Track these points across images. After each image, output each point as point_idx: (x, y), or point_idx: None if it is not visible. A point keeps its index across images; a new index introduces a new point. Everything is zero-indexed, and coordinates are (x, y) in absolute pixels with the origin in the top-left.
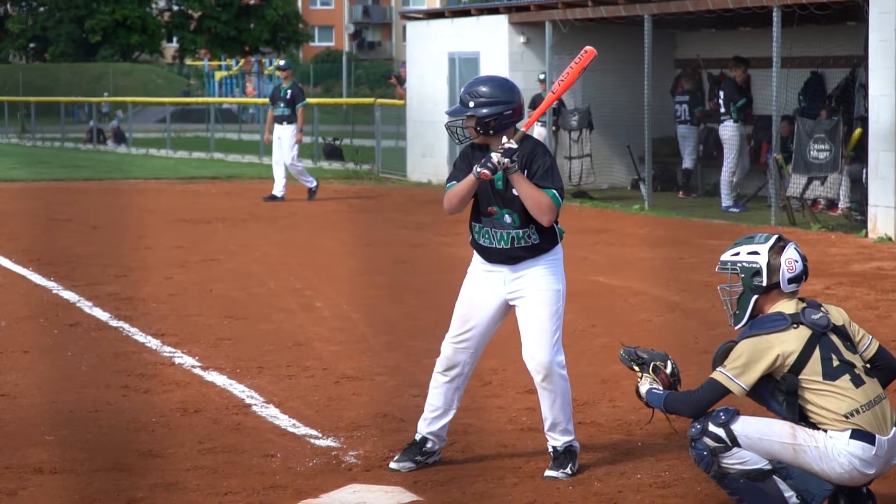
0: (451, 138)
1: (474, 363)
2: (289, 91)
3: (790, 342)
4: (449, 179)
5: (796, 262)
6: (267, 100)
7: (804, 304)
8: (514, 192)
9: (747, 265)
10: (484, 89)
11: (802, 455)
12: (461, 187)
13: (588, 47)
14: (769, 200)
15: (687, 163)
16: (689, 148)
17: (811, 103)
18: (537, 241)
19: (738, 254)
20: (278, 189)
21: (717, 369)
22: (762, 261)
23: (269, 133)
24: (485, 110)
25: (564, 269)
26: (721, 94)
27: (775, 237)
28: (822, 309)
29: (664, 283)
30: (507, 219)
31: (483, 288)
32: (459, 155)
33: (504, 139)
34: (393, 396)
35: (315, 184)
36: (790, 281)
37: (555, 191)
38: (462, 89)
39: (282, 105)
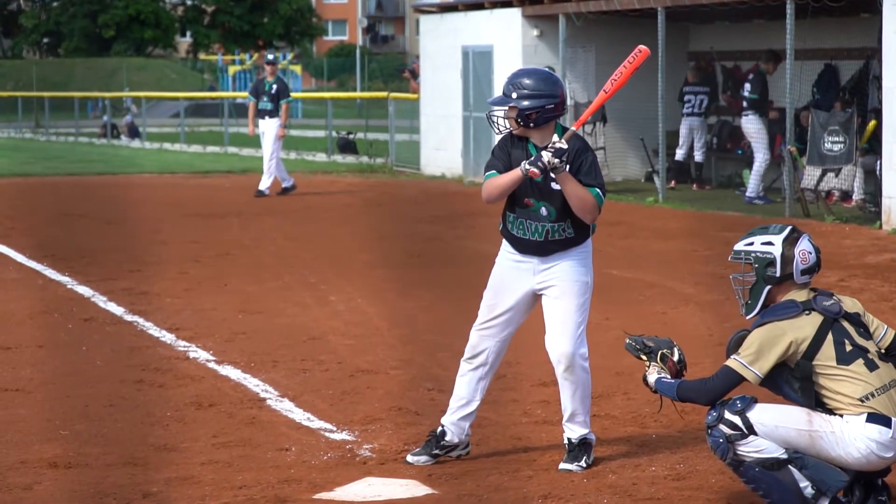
0: (490, 127)
1: (500, 353)
2: (274, 86)
3: (803, 328)
4: (487, 168)
5: (810, 253)
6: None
7: (815, 293)
8: (553, 185)
9: (761, 255)
10: (527, 81)
11: (819, 442)
12: (505, 180)
13: (642, 46)
14: (784, 192)
15: (698, 156)
16: (702, 140)
17: (825, 95)
18: (571, 234)
19: (752, 244)
20: (284, 181)
21: (732, 357)
22: (776, 251)
23: (252, 126)
24: (526, 102)
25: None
26: (749, 86)
27: (790, 228)
28: (835, 298)
29: (678, 275)
30: (544, 211)
31: (512, 277)
32: (498, 144)
33: (554, 137)
34: (407, 390)
35: (267, 192)
36: (803, 272)
37: (598, 189)
38: (506, 80)
39: (265, 99)
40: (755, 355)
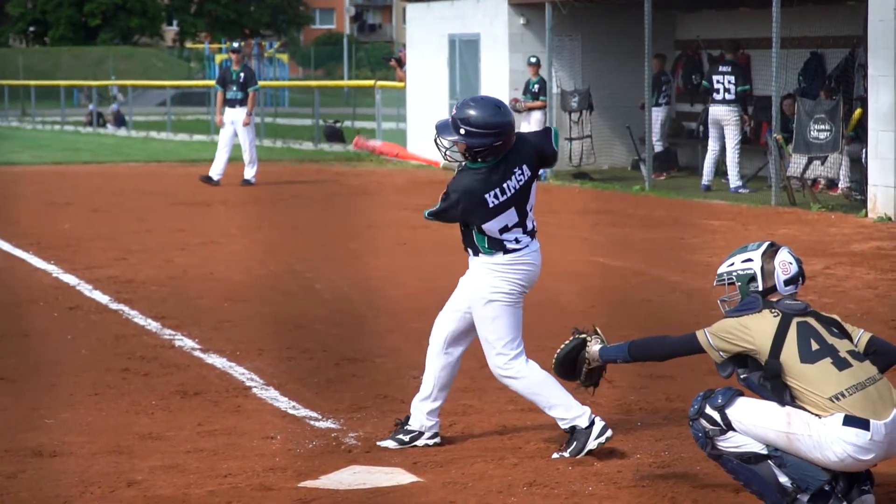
0: (438, 151)
1: (455, 341)
2: (241, 74)
3: (763, 324)
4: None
5: (790, 263)
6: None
7: (785, 297)
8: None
9: (742, 273)
10: (477, 118)
11: (796, 443)
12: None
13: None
14: (770, 181)
15: (665, 143)
16: (666, 126)
17: (811, 84)
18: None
19: (732, 264)
20: (215, 174)
21: (704, 329)
22: (756, 266)
23: (220, 115)
24: (474, 140)
25: (537, 260)
26: (733, 79)
27: (767, 243)
28: (803, 301)
29: (665, 263)
30: None
31: (466, 275)
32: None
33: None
34: (393, 378)
35: (254, 180)
36: (787, 283)
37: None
38: (454, 110)
39: (234, 88)
40: (719, 338)
